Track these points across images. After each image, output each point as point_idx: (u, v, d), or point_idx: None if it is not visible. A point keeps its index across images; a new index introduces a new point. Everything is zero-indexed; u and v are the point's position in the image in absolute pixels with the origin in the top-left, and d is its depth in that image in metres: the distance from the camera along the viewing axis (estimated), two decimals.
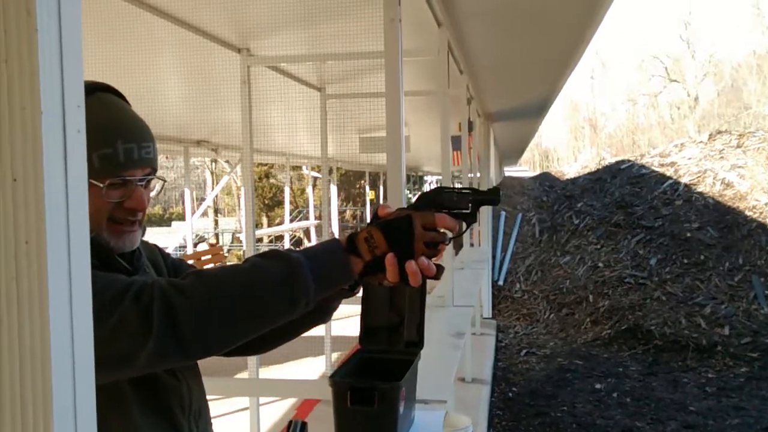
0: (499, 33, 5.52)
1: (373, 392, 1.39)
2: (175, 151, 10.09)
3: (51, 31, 0.56)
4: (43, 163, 0.55)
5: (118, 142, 1.11)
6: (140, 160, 1.14)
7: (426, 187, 32.16)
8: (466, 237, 8.31)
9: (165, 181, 1.35)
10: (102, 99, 1.14)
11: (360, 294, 1.35)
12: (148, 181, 1.19)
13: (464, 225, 1.25)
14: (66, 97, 0.58)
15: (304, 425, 1.46)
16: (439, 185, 1.32)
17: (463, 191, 1.24)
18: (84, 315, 0.60)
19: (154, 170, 1.19)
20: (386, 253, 1.10)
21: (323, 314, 1.25)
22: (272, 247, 20.48)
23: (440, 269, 1.15)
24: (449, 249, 4.96)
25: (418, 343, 1.46)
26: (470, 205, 1.23)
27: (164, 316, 0.95)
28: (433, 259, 1.14)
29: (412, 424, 1.64)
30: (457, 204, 1.22)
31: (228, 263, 12.02)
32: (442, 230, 1.15)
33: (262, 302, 1.02)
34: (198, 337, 0.98)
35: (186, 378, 1.25)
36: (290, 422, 1.46)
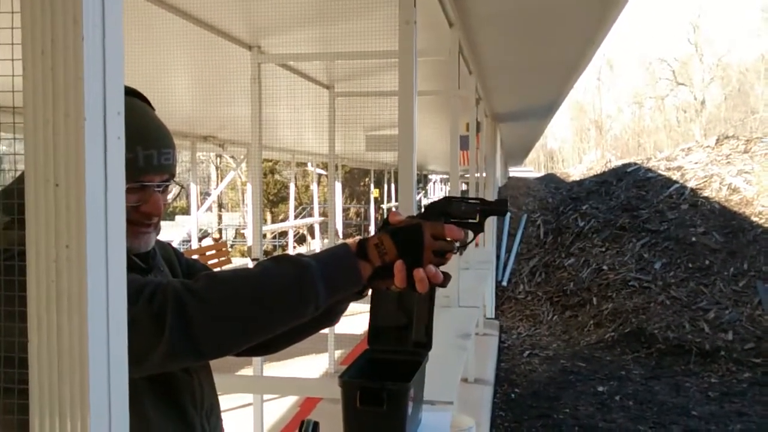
0: (510, 35, 5.52)
1: (383, 393, 1.40)
2: (182, 145, 10.11)
3: (95, 39, 0.57)
4: (85, 169, 0.56)
5: (138, 147, 1.12)
6: (159, 166, 1.16)
7: (430, 186, 32.16)
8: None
9: (182, 186, 1.36)
10: (126, 103, 1.15)
11: (368, 294, 1.37)
12: (166, 187, 1.20)
13: (471, 234, 1.26)
14: (107, 104, 0.59)
15: (316, 425, 1.48)
16: (447, 195, 1.35)
17: (472, 201, 1.26)
18: (119, 316, 0.62)
19: (173, 176, 1.21)
20: (395, 260, 1.12)
21: (331, 316, 1.27)
22: (275, 243, 20.51)
23: (447, 277, 1.17)
24: None
25: (426, 344, 1.47)
26: (478, 215, 1.25)
27: (177, 318, 0.97)
28: (440, 267, 1.16)
29: (420, 424, 1.65)
30: (465, 214, 1.24)
31: (232, 258, 12.04)
32: (450, 239, 1.17)
33: (272, 306, 1.04)
34: (209, 339, 1.00)
35: (198, 374, 1.27)
36: (302, 422, 1.47)
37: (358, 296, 1.21)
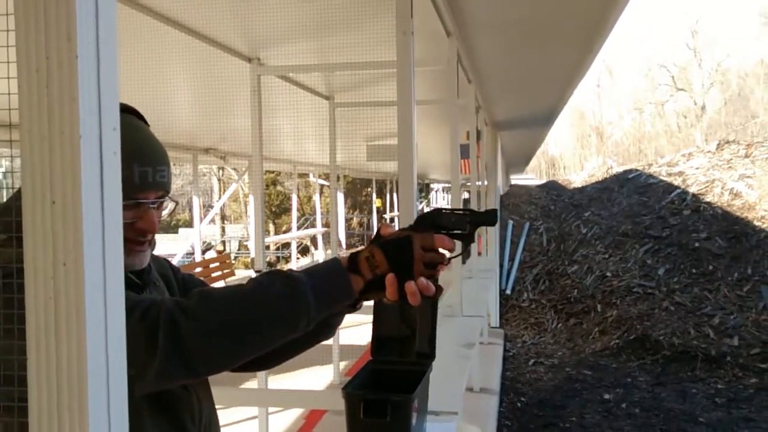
0: (508, 43, 5.53)
1: (386, 404, 1.39)
2: (183, 158, 10.12)
3: (89, 56, 0.57)
4: (81, 186, 0.56)
5: (134, 165, 1.13)
6: (154, 183, 1.17)
7: (432, 195, 32.18)
8: (473, 246, 8.31)
9: (177, 202, 1.37)
10: (121, 121, 1.15)
11: (371, 304, 1.37)
12: (161, 203, 1.21)
13: (462, 245, 1.27)
14: (103, 121, 0.59)
15: None
16: (437, 207, 1.36)
17: (461, 213, 1.27)
18: (118, 333, 0.62)
19: (167, 192, 1.22)
20: (387, 273, 1.12)
21: (326, 330, 1.26)
22: (279, 255, 20.49)
23: (439, 289, 1.17)
24: (457, 259, 4.96)
25: (430, 355, 1.46)
26: (468, 226, 1.25)
27: (169, 336, 0.97)
28: (433, 278, 1.16)
29: None
30: (455, 225, 1.25)
31: (236, 270, 12.02)
32: (440, 251, 1.17)
33: (264, 322, 1.04)
34: (202, 357, 1.01)
35: (196, 389, 1.27)
36: None
37: (352, 310, 1.21)
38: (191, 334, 0.98)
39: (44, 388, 0.58)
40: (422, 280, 1.13)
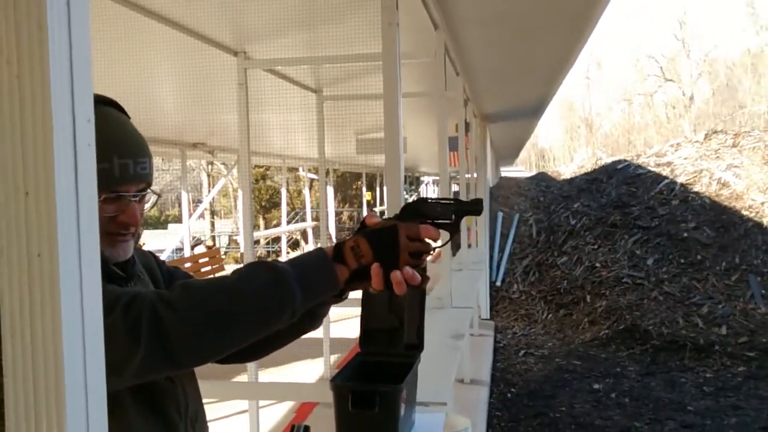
0: (495, 36, 5.53)
1: (374, 395, 1.40)
2: (172, 153, 10.08)
3: (62, 45, 0.56)
4: (55, 177, 0.56)
5: (114, 157, 1.12)
6: (135, 175, 1.16)
7: (423, 188, 32.20)
8: (463, 238, 8.32)
9: (159, 195, 1.36)
10: (102, 113, 1.14)
11: (360, 297, 1.37)
12: (143, 196, 1.20)
13: (447, 235, 1.27)
14: (76, 112, 0.58)
15: (306, 429, 1.47)
16: (422, 196, 1.36)
17: (447, 202, 1.26)
18: (95, 325, 0.61)
19: (149, 185, 1.21)
20: (372, 262, 1.12)
21: (313, 321, 1.26)
22: (269, 249, 20.47)
23: (425, 279, 1.17)
24: (447, 251, 4.97)
25: (418, 346, 1.47)
26: (453, 215, 1.25)
27: (152, 328, 0.97)
28: (418, 268, 1.16)
29: (413, 426, 1.65)
30: (440, 214, 1.25)
31: (225, 265, 12.01)
32: (426, 240, 1.17)
33: (248, 313, 1.03)
34: (185, 348, 1.00)
35: (182, 381, 1.27)
36: (292, 426, 1.47)
37: (338, 300, 1.21)
38: (174, 326, 0.98)
39: (20, 378, 0.57)
40: (407, 269, 1.13)
